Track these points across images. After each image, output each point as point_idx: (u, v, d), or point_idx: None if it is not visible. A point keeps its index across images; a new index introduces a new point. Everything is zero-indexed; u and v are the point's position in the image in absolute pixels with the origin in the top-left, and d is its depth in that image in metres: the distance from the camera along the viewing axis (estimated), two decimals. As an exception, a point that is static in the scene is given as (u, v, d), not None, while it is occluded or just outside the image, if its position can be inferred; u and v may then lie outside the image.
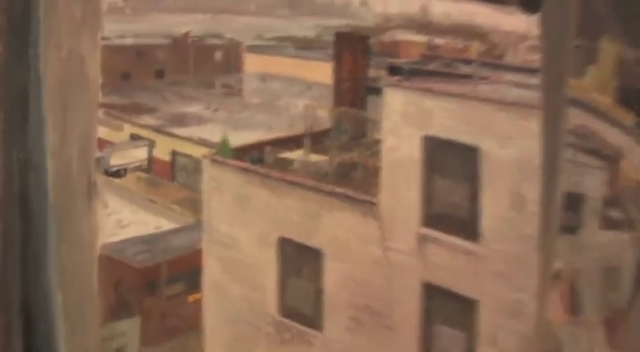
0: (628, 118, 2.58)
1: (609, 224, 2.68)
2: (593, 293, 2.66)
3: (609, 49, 2.59)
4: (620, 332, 2.58)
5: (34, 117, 1.72)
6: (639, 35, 2.57)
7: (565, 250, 2.74)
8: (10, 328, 1.73)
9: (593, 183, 2.69)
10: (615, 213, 2.67)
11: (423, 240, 3.78)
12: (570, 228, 2.76)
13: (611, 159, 2.66)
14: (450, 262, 3.55)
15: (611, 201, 2.69)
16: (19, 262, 1.75)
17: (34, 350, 1.76)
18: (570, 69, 2.66)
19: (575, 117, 2.66)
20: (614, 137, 2.64)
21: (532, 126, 2.98)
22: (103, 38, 1.85)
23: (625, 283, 2.61)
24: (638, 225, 2.63)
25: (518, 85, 3.19)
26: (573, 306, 2.68)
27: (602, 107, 2.64)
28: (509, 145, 3.25)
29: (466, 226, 3.54)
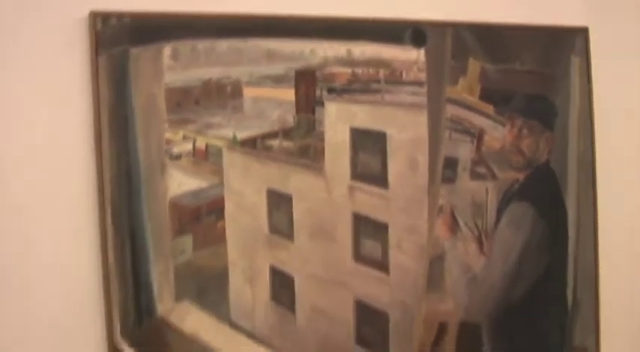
0: (488, 108, 2.36)
1: (476, 176, 2.44)
2: (467, 220, 2.41)
3: (474, 65, 2.34)
4: (485, 244, 2.37)
5: (131, 130, 1.80)
6: (494, 55, 2.33)
7: (445, 193, 2.50)
8: (124, 245, 1.75)
9: (464, 151, 2.44)
10: (480, 169, 2.42)
11: (352, 188, 3.44)
12: (449, 179, 2.52)
13: (476, 134, 2.41)
14: (369, 201, 3.23)
15: (477, 162, 2.43)
16: (127, 205, 1.78)
17: (136, 258, 1.80)
18: (447, 80, 2.42)
19: (451, 110, 2.42)
20: (478, 121, 2.39)
21: (421, 119, 2.73)
22: (165, 83, 1.97)
23: (489, 213, 2.39)
24: (497, 176, 2.40)
25: (411, 93, 2.90)
26: (452, 228, 2.46)
27: (470, 103, 2.39)
28: (406, 131, 2.97)
29: (379, 180, 3.21)
